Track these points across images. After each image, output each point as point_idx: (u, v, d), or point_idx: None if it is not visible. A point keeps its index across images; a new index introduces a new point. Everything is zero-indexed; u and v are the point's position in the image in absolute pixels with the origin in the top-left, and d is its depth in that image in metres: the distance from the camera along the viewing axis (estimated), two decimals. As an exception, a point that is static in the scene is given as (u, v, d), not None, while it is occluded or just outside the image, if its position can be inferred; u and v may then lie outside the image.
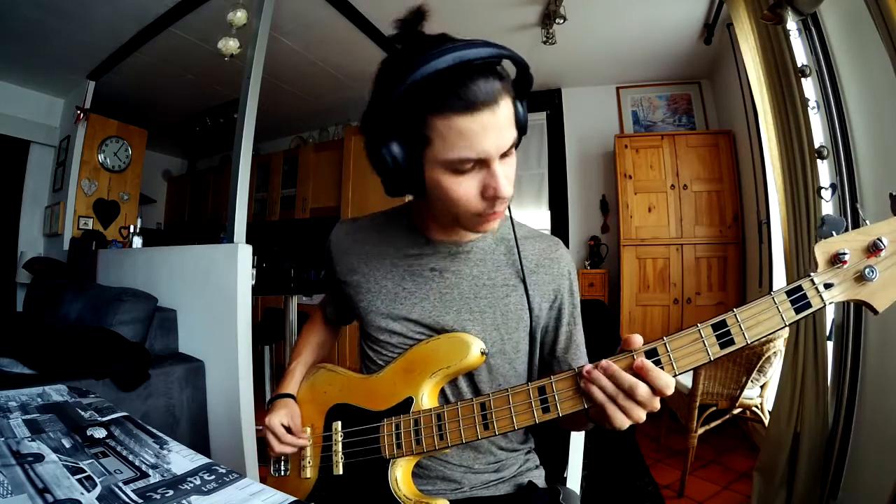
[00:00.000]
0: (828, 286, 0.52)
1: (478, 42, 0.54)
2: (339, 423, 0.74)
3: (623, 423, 0.53)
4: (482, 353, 0.66)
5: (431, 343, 0.69)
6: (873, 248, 0.51)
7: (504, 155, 0.58)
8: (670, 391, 0.51)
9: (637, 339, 0.54)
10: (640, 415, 0.52)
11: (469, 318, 0.70)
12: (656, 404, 0.52)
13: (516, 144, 0.60)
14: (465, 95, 0.53)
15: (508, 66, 0.59)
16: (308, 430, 0.77)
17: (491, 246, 0.73)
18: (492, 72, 0.55)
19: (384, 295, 0.73)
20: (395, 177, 0.60)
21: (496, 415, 0.60)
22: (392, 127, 0.57)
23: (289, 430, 0.76)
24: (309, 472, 0.75)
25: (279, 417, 0.76)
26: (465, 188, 0.58)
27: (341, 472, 0.72)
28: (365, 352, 0.78)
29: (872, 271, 0.50)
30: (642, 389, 0.51)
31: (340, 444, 0.72)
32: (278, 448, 0.75)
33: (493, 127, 0.55)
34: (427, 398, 0.67)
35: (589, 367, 0.54)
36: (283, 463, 0.79)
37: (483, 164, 0.57)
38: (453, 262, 0.72)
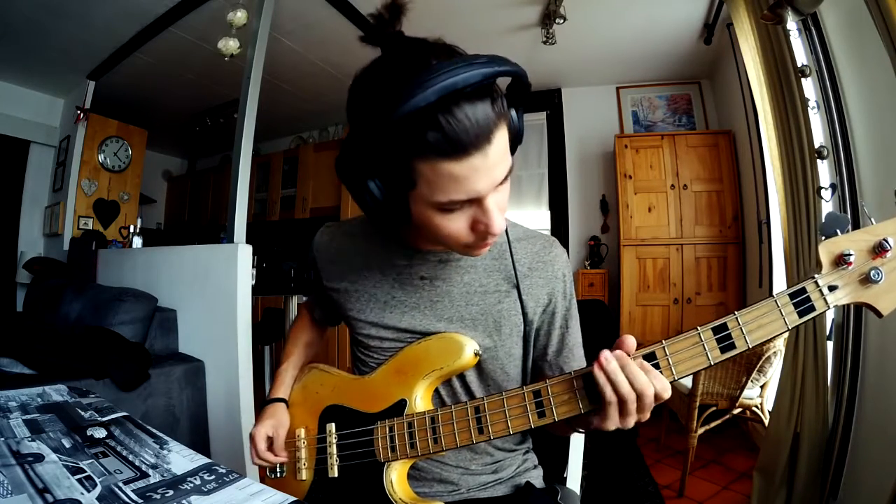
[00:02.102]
0: (832, 288, 0.50)
1: (466, 62, 0.45)
2: (333, 425, 0.73)
3: (615, 425, 0.52)
4: (475, 354, 0.65)
5: (423, 344, 0.68)
6: (879, 249, 0.49)
7: (498, 184, 0.53)
8: (667, 395, 0.50)
9: (630, 342, 0.52)
10: (631, 421, 0.52)
11: (461, 327, 0.68)
12: (648, 412, 0.52)
13: (512, 155, 0.55)
14: (453, 136, 0.46)
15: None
16: (303, 431, 0.77)
17: None
18: (482, 95, 0.48)
19: (373, 303, 0.71)
20: (377, 213, 0.56)
21: (491, 418, 0.59)
22: (372, 168, 0.53)
23: (272, 441, 0.76)
24: (304, 475, 0.75)
25: (265, 429, 0.76)
26: (456, 225, 0.55)
27: (336, 475, 0.71)
28: (356, 354, 0.77)
29: (878, 273, 0.48)
30: (649, 391, 0.50)
31: (335, 447, 0.72)
32: (254, 461, 0.76)
33: (485, 168, 0.49)
34: (420, 400, 0.66)
35: (608, 354, 0.51)
36: (278, 465, 0.78)
37: (475, 200, 0.53)
38: (443, 270, 0.69)
